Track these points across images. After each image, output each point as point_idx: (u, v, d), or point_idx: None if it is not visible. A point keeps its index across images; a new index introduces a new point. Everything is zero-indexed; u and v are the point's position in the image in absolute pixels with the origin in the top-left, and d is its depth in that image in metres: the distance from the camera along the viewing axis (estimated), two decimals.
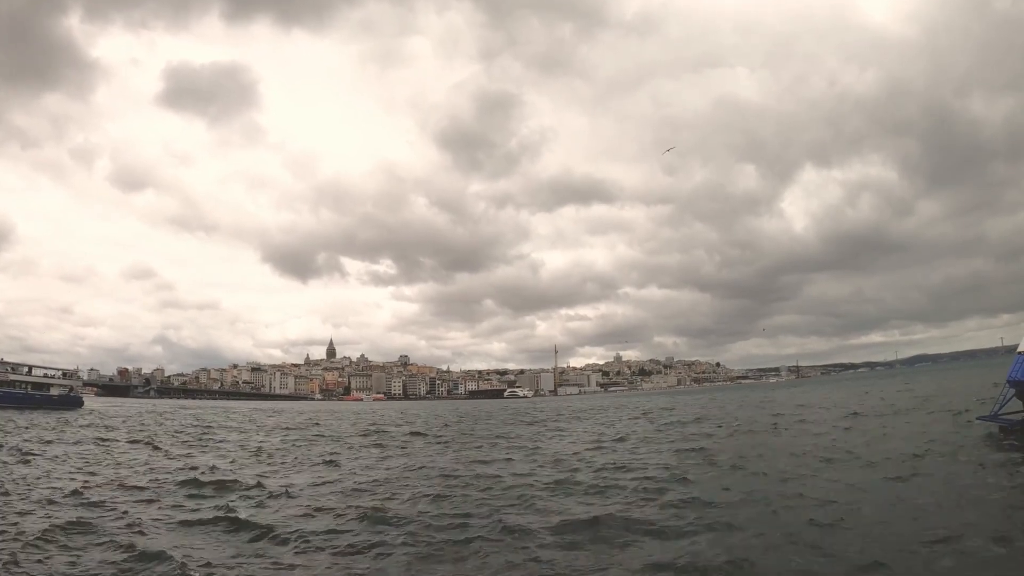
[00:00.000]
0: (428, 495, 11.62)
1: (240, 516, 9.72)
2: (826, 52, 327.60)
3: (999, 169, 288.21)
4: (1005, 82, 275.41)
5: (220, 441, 24.94)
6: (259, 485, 12.91)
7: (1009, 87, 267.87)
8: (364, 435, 28.41)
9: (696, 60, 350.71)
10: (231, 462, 17.48)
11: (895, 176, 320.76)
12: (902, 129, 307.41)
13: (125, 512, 10.02)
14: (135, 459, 17.78)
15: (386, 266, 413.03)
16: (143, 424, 35.45)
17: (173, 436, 26.82)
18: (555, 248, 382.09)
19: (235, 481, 13.43)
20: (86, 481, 13.13)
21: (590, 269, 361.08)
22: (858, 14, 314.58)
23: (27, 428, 28.51)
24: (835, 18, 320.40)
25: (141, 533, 8.74)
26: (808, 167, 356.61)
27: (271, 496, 11.73)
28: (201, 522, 9.48)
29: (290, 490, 12.22)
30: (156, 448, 20.95)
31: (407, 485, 12.99)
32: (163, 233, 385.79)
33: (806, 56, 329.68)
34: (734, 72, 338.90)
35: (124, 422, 36.78)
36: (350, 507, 10.56)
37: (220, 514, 9.89)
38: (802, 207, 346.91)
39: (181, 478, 13.76)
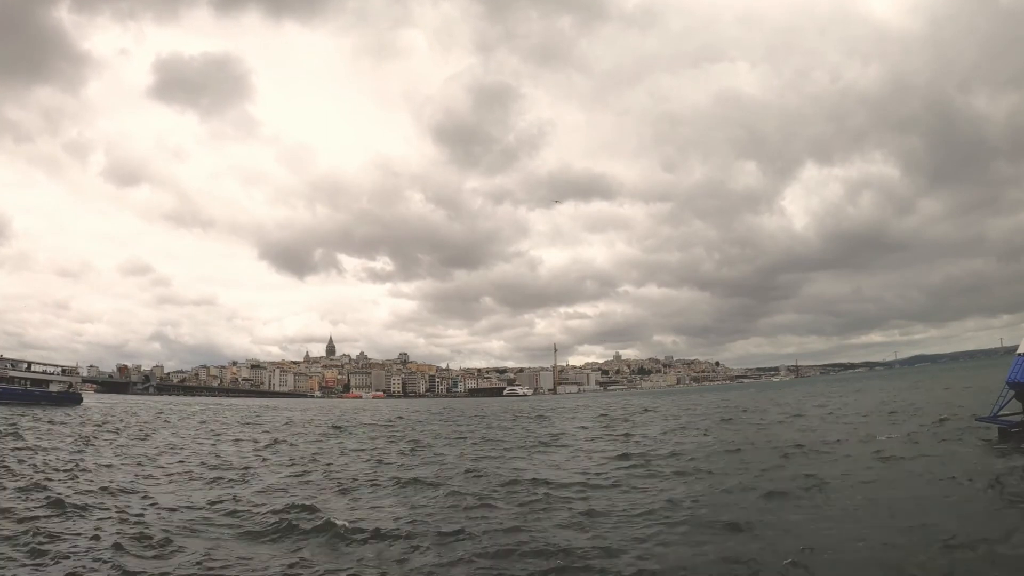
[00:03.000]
0: None
1: None
2: (828, 46, 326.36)
3: (1002, 167, 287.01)
4: (1008, 78, 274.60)
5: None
6: None
7: (1012, 83, 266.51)
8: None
9: (696, 54, 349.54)
10: None
11: (897, 174, 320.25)
12: (904, 126, 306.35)
13: None
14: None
15: (383, 263, 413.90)
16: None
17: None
18: (554, 245, 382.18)
19: None
20: None
21: (589, 266, 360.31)
22: (860, 7, 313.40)
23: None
24: (837, 11, 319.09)
25: None
26: (809, 164, 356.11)
27: None
28: None
29: None
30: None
31: None
32: (159, 228, 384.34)
33: (808, 50, 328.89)
34: (735, 66, 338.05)
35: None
36: None
37: None
38: (803, 205, 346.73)
39: None
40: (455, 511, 10.08)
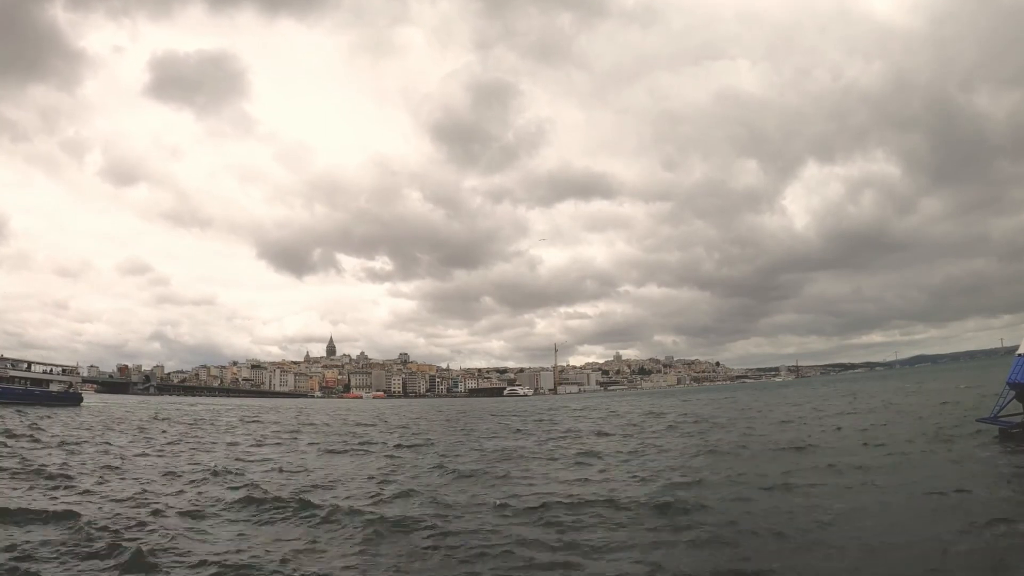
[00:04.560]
0: None
1: None
2: (829, 44, 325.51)
3: (1003, 166, 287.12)
4: (1010, 76, 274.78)
5: None
6: None
7: (1014, 82, 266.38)
8: None
9: (697, 52, 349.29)
10: None
11: (898, 172, 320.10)
12: (906, 124, 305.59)
13: None
14: None
15: (382, 262, 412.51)
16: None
17: None
18: (553, 245, 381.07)
19: None
20: None
21: (589, 266, 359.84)
22: (862, 5, 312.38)
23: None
24: (838, 9, 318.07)
25: None
26: (810, 163, 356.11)
27: None
28: None
29: None
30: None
31: None
32: (158, 228, 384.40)
33: (809, 48, 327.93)
34: (735, 64, 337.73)
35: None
36: None
37: None
38: (803, 204, 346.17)
39: None
40: None
